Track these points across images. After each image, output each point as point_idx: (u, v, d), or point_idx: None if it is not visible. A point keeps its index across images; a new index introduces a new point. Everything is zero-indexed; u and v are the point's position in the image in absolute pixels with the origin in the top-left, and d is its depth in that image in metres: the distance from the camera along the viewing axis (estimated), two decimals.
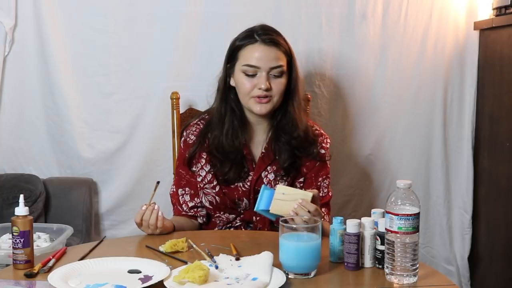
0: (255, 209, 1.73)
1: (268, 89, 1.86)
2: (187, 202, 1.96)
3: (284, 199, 1.65)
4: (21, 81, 2.48)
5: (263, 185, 1.78)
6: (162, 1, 2.48)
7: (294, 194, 1.65)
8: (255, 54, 1.86)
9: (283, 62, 1.89)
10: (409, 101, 2.71)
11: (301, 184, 1.96)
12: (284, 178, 1.93)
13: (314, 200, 1.66)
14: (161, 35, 2.49)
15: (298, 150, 1.93)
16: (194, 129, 1.98)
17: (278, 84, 1.89)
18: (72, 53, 2.47)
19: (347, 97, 2.66)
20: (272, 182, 1.92)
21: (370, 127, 2.69)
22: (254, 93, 1.87)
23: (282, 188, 1.67)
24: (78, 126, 2.51)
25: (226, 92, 1.95)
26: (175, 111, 2.34)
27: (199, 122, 1.99)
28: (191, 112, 2.34)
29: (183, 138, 1.99)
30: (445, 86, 2.72)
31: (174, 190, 1.99)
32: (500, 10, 2.59)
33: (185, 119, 2.29)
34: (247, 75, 1.87)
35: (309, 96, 2.37)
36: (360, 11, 2.61)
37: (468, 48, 2.71)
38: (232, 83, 1.94)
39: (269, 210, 1.67)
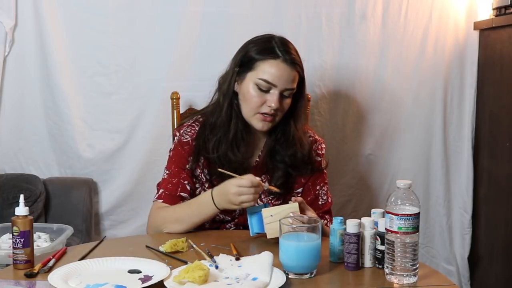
0: (251, 235, 1.74)
1: (277, 109, 1.81)
2: (182, 196, 1.88)
3: (274, 220, 1.64)
4: (21, 81, 2.48)
5: (247, 209, 1.76)
6: (162, 1, 2.48)
7: (282, 211, 1.64)
8: (276, 72, 1.79)
9: (296, 84, 1.84)
10: (409, 101, 2.71)
11: (300, 195, 1.92)
12: (275, 194, 1.90)
13: (300, 207, 1.68)
14: (161, 35, 2.49)
15: (292, 168, 1.89)
16: (188, 130, 1.92)
17: (286, 104, 1.83)
18: (72, 53, 2.47)
19: (347, 97, 2.66)
20: (266, 192, 1.89)
21: (370, 127, 2.69)
22: (262, 109, 1.81)
23: (268, 211, 1.67)
24: (78, 126, 2.51)
25: (231, 96, 1.87)
26: (175, 111, 2.34)
27: (193, 124, 1.93)
28: (191, 112, 2.33)
29: (176, 138, 1.93)
30: (445, 86, 2.72)
31: (175, 181, 1.89)
32: (500, 10, 2.59)
33: (185, 119, 2.29)
34: (260, 89, 1.81)
35: (309, 96, 2.37)
36: (360, 11, 2.61)
37: (468, 48, 2.71)
38: (236, 88, 1.87)
39: (262, 233, 1.69)
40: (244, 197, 1.69)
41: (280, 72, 1.80)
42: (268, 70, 1.80)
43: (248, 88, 1.83)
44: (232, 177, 1.74)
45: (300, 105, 1.90)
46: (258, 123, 1.84)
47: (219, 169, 1.76)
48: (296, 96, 1.87)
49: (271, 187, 1.79)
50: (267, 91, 1.81)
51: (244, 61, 1.85)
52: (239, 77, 1.86)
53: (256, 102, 1.81)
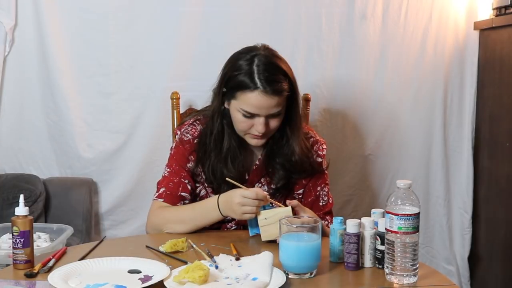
0: (250, 235, 1.75)
1: (266, 131, 1.79)
2: (183, 196, 1.89)
3: (269, 223, 1.66)
4: (21, 81, 2.49)
5: None
6: (162, 1, 2.48)
7: (276, 215, 1.65)
8: (255, 103, 1.75)
9: (282, 105, 1.79)
10: (409, 101, 2.71)
11: (300, 196, 1.93)
12: (276, 195, 1.90)
13: (295, 210, 1.70)
14: (161, 35, 2.49)
15: (292, 172, 1.89)
16: (190, 129, 1.92)
17: (275, 122, 1.81)
18: (72, 53, 2.47)
19: (347, 97, 2.66)
20: (273, 199, 1.89)
21: (370, 127, 2.69)
22: (251, 131, 1.80)
23: (262, 214, 1.68)
24: (78, 126, 2.51)
25: (221, 115, 1.86)
26: (175, 111, 2.34)
27: (194, 123, 1.93)
28: (191, 112, 2.33)
29: (177, 137, 1.93)
30: (445, 86, 2.72)
31: (176, 180, 1.89)
32: (500, 10, 2.59)
33: (185, 118, 2.29)
34: (245, 116, 1.78)
35: (309, 96, 2.37)
36: (360, 11, 2.61)
37: (468, 48, 2.71)
38: (227, 105, 1.85)
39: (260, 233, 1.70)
40: (247, 208, 1.69)
41: (260, 103, 1.75)
42: (248, 101, 1.76)
43: (234, 113, 1.81)
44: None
45: (294, 114, 1.86)
46: (251, 141, 1.84)
47: (227, 179, 1.77)
48: (289, 107, 1.83)
49: (276, 203, 1.76)
50: (251, 117, 1.78)
51: (228, 87, 1.82)
52: (226, 99, 1.84)
53: (244, 126, 1.81)
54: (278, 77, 1.77)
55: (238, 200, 1.69)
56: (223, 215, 1.76)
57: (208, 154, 1.87)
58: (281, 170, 1.89)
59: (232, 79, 1.79)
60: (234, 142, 1.86)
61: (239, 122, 1.81)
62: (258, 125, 1.78)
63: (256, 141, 1.83)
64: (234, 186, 1.76)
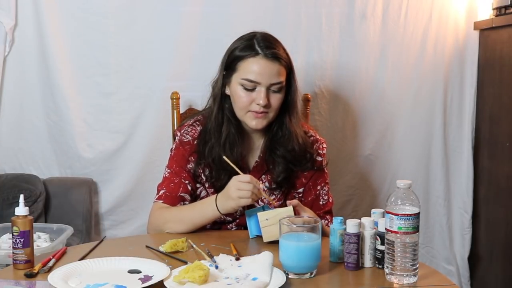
0: (250, 237, 1.76)
1: (266, 106, 1.81)
2: (183, 196, 1.89)
3: (270, 223, 1.67)
4: (21, 81, 2.49)
5: (245, 211, 1.79)
6: (162, 1, 2.48)
7: (277, 215, 1.65)
8: (257, 69, 1.79)
9: (283, 77, 1.82)
10: (409, 101, 2.71)
11: (300, 195, 1.93)
12: (276, 192, 1.91)
13: (296, 210, 1.70)
14: (161, 35, 2.49)
15: (293, 163, 1.90)
16: (189, 130, 1.93)
17: (276, 100, 1.82)
18: (72, 53, 2.47)
19: (347, 97, 2.66)
20: (267, 192, 1.89)
21: (370, 127, 2.69)
22: (251, 107, 1.81)
23: (263, 215, 1.68)
24: (78, 126, 2.51)
25: (222, 100, 1.89)
26: (175, 111, 2.34)
27: (194, 124, 1.95)
28: (191, 112, 2.33)
29: (177, 138, 1.94)
30: (445, 86, 2.72)
31: (176, 181, 1.90)
32: (500, 10, 2.59)
33: (185, 119, 2.29)
34: (246, 89, 1.81)
35: (309, 96, 2.37)
36: (360, 11, 2.61)
37: (468, 48, 2.71)
38: (227, 91, 1.88)
39: (261, 235, 1.70)
40: (242, 192, 1.69)
41: (261, 69, 1.79)
42: (249, 68, 1.80)
43: (235, 90, 1.84)
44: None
45: (292, 98, 1.89)
46: (251, 122, 1.84)
47: (224, 157, 1.78)
48: (286, 90, 1.86)
49: (271, 200, 1.77)
50: (253, 89, 1.81)
51: (228, 63, 1.86)
52: (227, 79, 1.87)
53: (244, 102, 1.82)
54: (277, 47, 1.83)
55: (233, 183, 1.71)
56: (220, 211, 1.76)
57: (208, 138, 1.88)
58: (282, 163, 1.89)
59: (233, 53, 1.84)
60: (233, 128, 1.88)
61: (240, 98, 1.82)
62: (259, 96, 1.80)
63: (256, 121, 1.83)
64: (232, 175, 1.76)
